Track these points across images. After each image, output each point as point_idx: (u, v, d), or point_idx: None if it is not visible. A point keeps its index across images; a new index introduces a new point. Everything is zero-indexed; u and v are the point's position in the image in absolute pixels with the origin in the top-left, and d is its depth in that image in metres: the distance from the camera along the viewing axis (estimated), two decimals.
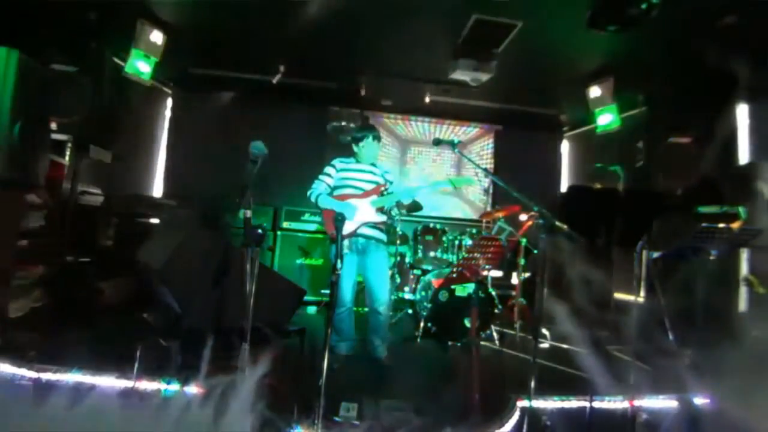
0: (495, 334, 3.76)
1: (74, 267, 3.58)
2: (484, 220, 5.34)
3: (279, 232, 5.07)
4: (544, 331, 3.82)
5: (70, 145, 3.52)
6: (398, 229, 4.34)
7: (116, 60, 4.32)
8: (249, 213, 1.85)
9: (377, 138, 3.09)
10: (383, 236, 3.06)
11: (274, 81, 5.01)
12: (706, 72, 3.78)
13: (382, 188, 3.02)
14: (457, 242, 4.31)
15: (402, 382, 2.75)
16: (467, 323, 3.42)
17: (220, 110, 5.58)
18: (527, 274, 4.35)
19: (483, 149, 6.29)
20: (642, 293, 3.05)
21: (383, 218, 2.99)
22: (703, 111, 3.99)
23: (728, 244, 2.72)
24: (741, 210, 3.15)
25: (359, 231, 2.92)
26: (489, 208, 5.14)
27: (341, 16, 3.82)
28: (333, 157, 3.19)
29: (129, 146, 4.77)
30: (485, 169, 3.70)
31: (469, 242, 4.23)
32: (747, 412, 2.01)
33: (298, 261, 4.99)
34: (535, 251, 4.25)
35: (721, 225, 2.79)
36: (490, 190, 5.48)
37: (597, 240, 3.76)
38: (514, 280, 4.27)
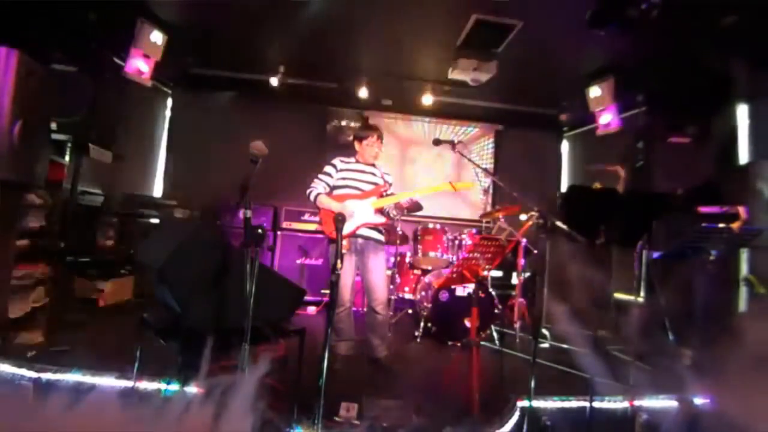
0: (495, 334, 3.76)
1: (74, 267, 3.58)
2: (484, 220, 5.34)
3: (279, 232, 5.07)
4: (544, 331, 3.82)
5: (70, 145, 3.52)
6: (398, 229, 4.34)
7: (116, 60, 4.32)
8: (249, 213, 1.85)
9: (381, 137, 3.09)
10: (382, 237, 3.05)
11: (274, 81, 5.02)
12: (706, 72, 3.78)
13: (382, 189, 3.00)
14: (457, 242, 4.31)
15: (402, 382, 2.75)
16: (467, 323, 3.43)
17: (220, 110, 5.58)
18: (527, 274, 4.35)
19: (483, 149, 6.29)
20: (642, 293, 3.05)
21: (382, 219, 2.98)
22: (703, 111, 3.99)
23: (728, 244, 2.72)
24: (741, 210, 3.15)
25: (358, 231, 2.91)
26: (489, 208, 5.13)
27: (341, 16, 3.83)
28: (333, 157, 3.15)
29: (129, 146, 4.77)
30: (485, 169, 3.70)
31: (469, 242, 4.23)
32: (747, 412, 2.01)
33: (298, 261, 4.99)
34: (535, 251, 4.25)
35: (721, 225, 2.79)
36: (490, 190, 5.47)
37: (597, 240, 3.76)
38: (514, 280, 4.27)
